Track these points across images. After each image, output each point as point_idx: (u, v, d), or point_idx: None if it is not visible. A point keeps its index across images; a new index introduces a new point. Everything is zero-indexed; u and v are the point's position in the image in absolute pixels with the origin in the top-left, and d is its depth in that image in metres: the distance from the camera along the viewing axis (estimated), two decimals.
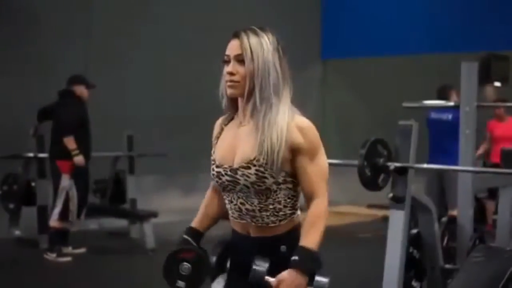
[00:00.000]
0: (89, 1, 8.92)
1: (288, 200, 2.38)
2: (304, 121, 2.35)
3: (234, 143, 2.39)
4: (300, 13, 10.97)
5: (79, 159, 6.86)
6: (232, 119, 2.46)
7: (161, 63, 9.33)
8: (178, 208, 9.07)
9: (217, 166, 2.40)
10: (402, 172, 4.19)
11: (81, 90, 7.01)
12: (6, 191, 7.54)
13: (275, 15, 10.47)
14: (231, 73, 2.33)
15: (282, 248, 2.37)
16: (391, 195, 4.22)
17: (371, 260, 4.36)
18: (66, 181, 6.87)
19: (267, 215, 2.36)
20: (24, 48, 8.21)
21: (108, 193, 8.37)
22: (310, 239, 2.31)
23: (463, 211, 4.74)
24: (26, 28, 8.27)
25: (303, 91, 11.15)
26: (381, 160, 4.18)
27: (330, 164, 5.18)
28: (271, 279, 2.30)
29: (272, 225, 2.38)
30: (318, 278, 2.31)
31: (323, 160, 2.37)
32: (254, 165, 2.30)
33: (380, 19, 10.60)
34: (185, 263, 2.38)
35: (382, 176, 4.20)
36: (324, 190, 2.37)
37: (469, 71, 4.76)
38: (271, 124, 2.29)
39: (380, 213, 9.06)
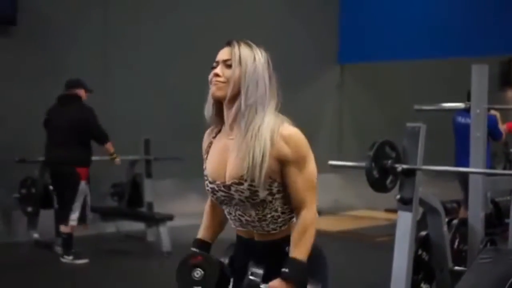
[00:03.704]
0: (105, 3, 8.98)
1: (286, 207, 2.39)
2: (290, 131, 2.32)
3: (224, 158, 2.39)
4: (318, 18, 10.97)
5: (118, 161, 7.38)
6: (219, 131, 2.47)
7: (179, 67, 9.37)
8: (195, 212, 9.08)
9: (210, 182, 2.42)
10: (409, 174, 4.19)
11: (82, 93, 7.08)
12: (24, 194, 7.62)
13: (293, 20, 10.51)
14: (216, 75, 2.36)
15: (287, 249, 2.37)
16: (398, 197, 4.23)
17: (387, 263, 4.36)
18: (84, 186, 6.98)
19: (266, 224, 2.39)
20: (40, 51, 8.31)
21: (126, 196, 8.44)
22: (299, 250, 2.31)
23: (473, 213, 4.72)
24: (42, 32, 8.35)
25: (321, 95, 11.30)
26: (389, 162, 4.18)
27: (341, 167, 5.20)
28: (264, 287, 2.34)
29: (273, 232, 2.41)
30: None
31: (311, 169, 2.35)
32: (246, 181, 2.31)
33: (398, 23, 10.58)
34: (197, 269, 2.40)
35: (390, 178, 4.20)
36: (311, 199, 2.35)
37: (479, 73, 4.74)
38: (253, 137, 2.29)
39: (397, 217, 9.03)
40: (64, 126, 6.88)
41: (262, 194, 2.32)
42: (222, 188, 2.37)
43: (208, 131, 2.51)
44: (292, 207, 2.40)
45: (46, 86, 7.29)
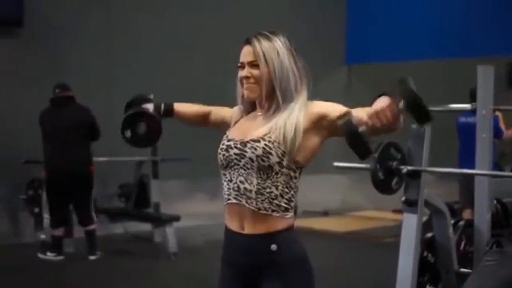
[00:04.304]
0: (107, 3, 9.00)
1: (286, 191, 2.40)
2: (318, 101, 2.45)
3: (250, 125, 2.48)
4: (324, 19, 10.95)
5: None
6: (251, 111, 2.56)
7: (186, 66, 9.37)
8: (202, 213, 9.13)
9: (228, 140, 2.47)
10: (414, 175, 4.17)
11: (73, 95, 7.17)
12: (31, 195, 7.65)
13: (299, 21, 10.48)
14: (246, 77, 2.42)
15: (272, 247, 2.38)
16: (403, 198, 4.21)
17: (393, 264, 4.34)
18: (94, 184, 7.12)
19: (261, 200, 2.38)
20: (44, 52, 8.33)
21: (133, 197, 8.45)
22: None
23: (479, 215, 4.69)
24: (46, 32, 8.37)
25: (328, 96, 11.13)
26: (394, 164, 4.16)
27: (346, 168, 5.17)
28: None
29: (264, 212, 2.38)
30: None
31: None
32: (264, 140, 2.36)
33: (405, 24, 10.55)
34: (143, 124, 2.87)
35: (395, 180, 4.18)
36: None
37: (485, 74, 4.71)
38: (287, 113, 2.39)
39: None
40: (70, 127, 6.93)
41: (273, 158, 2.35)
42: (238, 145, 2.42)
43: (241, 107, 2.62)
44: (290, 197, 2.41)
45: (51, 86, 7.29)
